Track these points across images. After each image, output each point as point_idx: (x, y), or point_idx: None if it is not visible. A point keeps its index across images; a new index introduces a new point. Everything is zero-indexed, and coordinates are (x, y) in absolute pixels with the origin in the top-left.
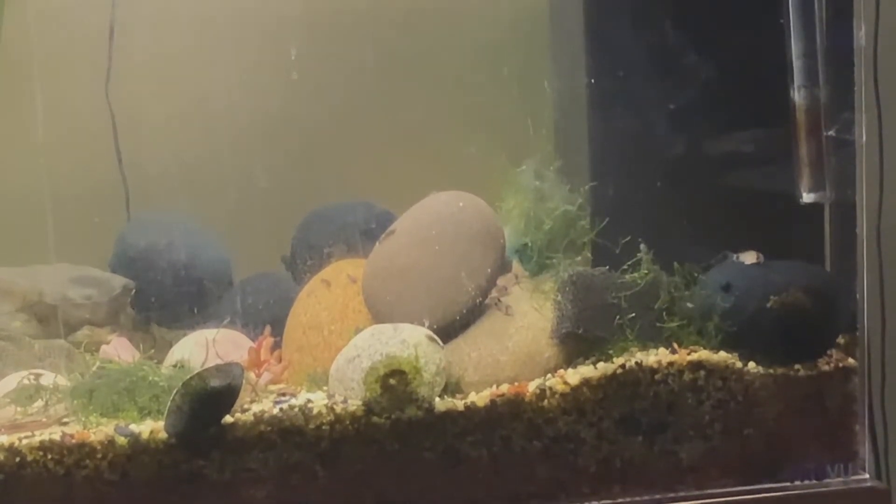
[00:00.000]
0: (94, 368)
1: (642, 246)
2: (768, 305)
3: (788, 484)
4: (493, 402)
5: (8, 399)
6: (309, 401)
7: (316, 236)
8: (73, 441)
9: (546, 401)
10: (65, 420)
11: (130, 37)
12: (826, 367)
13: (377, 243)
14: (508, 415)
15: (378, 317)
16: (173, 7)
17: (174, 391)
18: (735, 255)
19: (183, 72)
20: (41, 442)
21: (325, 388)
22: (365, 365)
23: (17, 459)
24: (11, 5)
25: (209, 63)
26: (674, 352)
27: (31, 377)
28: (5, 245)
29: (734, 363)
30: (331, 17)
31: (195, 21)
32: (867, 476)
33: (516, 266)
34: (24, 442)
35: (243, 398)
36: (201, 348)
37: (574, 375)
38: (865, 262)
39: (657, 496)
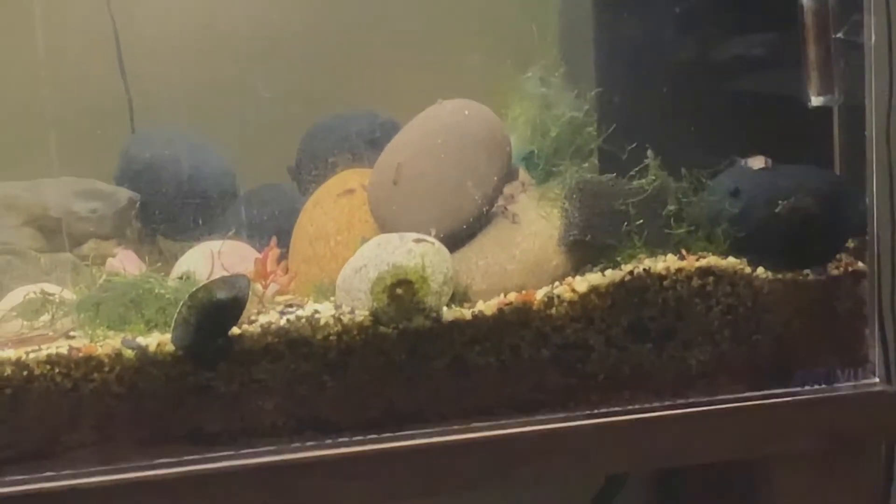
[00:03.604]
0: (100, 281)
1: (649, 152)
2: (777, 210)
3: (798, 389)
4: (500, 310)
5: (14, 313)
6: (316, 311)
7: (321, 146)
8: (80, 354)
9: (554, 309)
10: (71, 333)
11: None
12: (835, 272)
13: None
14: (516, 323)
15: (384, 226)
16: None
17: (181, 303)
18: (743, 161)
19: None
20: (48, 356)
21: (331, 298)
22: (371, 275)
23: (25, 373)
24: None
25: None
26: (682, 258)
27: (37, 291)
28: (9, 159)
29: (743, 269)
30: None
31: None
32: (877, 380)
33: (523, 174)
34: (32, 356)
35: (250, 310)
36: (207, 260)
37: (582, 283)
38: (875, 165)
39: (666, 402)
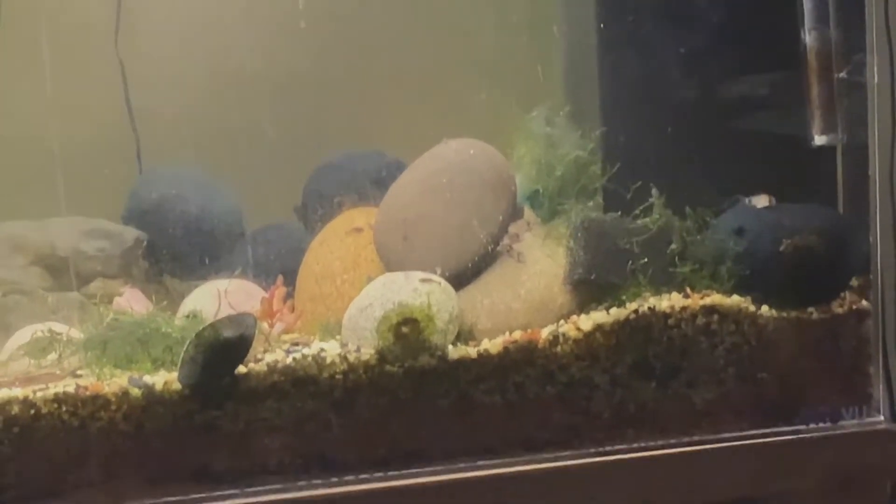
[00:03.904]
0: (107, 320)
1: (654, 191)
2: (781, 249)
3: (803, 427)
4: (506, 349)
5: (22, 352)
6: (322, 350)
7: (328, 186)
8: (88, 393)
9: (559, 347)
10: (78, 372)
11: None
12: (840, 310)
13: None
14: (521, 361)
15: (390, 265)
16: None
17: (187, 342)
18: (747, 199)
19: (192, 22)
20: (55, 394)
21: (338, 337)
22: (377, 314)
23: (32, 412)
24: None
25: (218, 13)
26: (687, 296)
27: (45, 330)
28: (17, 198)
29: (747, 307)
30: None
31: None
32: (882, 418)
33: (528, 213)
34: (39, 394)
35: (256, 348)
36: (214, 299)
37: (587, 321)
38: (878, 203)
39: (671, 441)
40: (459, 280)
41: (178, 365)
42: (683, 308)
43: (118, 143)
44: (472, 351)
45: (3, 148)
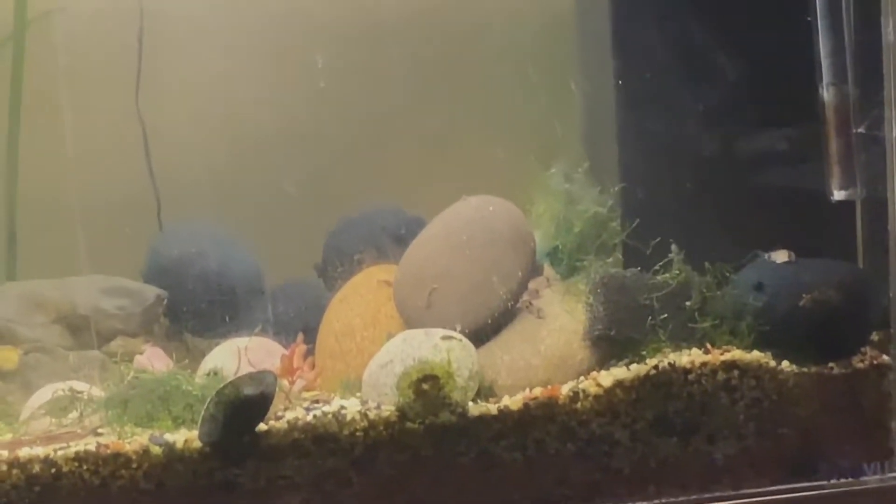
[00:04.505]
0: (128, 378)
1: (673, 246)
2: (801, 304)
3: (824, 483)
4: (526, 405)
5: (43, 410)
6: (342, 407)
7: (347, 243)
8: (108, 451)
9: (579, 403)
10: (99, 430)
11: (160, 47)
12: (860, 365)
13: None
14: (542, 418)
15: (410, 322)
16: (201, 17)
17: (208, 400)
18: (767, 255)
19: (212, 81)
20: (76, 452)
21: (358, 394)
22: (398, 370)
23: (53, 470)
24: (41, 17)
25: (238, 72)
26: (707, 352)
27: (66, 388)
28: (38, 257)
29: (767, 362)
30: (357, 24)
31: (223, 31)
32: None
33: (547, 269)
34: (60, 453)
35: (277, 406)
36: (234, 357)
37: (607, 377)
38: None
39: (692, 497)
40: (479, 336)
41: (199, 423)
42: (703, 364)
43: (138, 201)
44: (492, 407)
45: (24, 207)
